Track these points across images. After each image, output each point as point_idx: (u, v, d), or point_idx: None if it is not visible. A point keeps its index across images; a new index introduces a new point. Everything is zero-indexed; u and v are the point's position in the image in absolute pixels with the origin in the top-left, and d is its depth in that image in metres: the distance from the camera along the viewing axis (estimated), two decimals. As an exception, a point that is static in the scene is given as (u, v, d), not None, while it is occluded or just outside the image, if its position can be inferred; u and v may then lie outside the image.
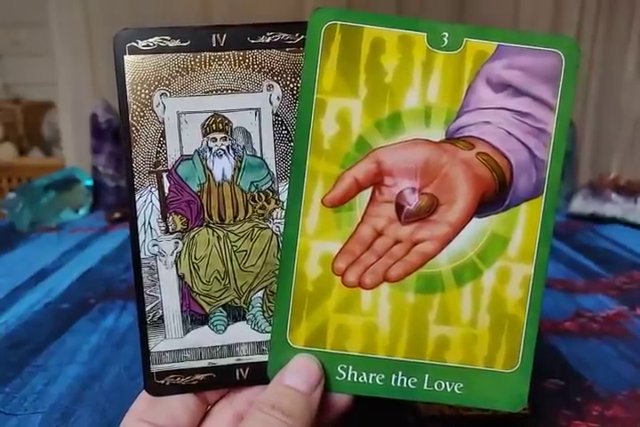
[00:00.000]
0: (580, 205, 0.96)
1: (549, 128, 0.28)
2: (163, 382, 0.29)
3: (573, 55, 0.28)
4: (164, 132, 0.27)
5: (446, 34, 0.28)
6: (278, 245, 0.29)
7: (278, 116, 0.28)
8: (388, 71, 0.28)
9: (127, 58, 0.27)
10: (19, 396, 0.43)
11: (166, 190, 0.28)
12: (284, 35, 0.27)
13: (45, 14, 1.32)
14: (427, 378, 0.28)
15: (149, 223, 0.28)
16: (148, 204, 0.28)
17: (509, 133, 0.28)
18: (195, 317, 0.29)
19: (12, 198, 0.95)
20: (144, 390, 0.29)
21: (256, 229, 0.29)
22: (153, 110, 0.27)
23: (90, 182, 1.07)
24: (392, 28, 0.27)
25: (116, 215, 0.99)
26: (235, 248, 0.29)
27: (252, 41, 0.27)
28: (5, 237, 0.90)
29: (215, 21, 1.33)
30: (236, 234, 0.29)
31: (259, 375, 0.29)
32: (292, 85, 0.28)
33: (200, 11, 1.31)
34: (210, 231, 0.29)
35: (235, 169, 0.28)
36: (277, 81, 0.28)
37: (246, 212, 0.29)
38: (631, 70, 1.22)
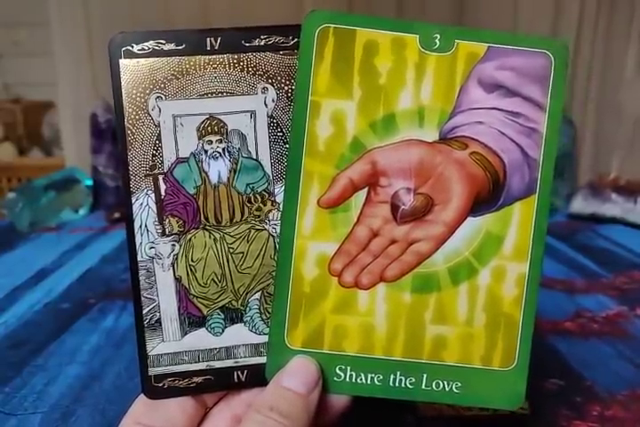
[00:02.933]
0: (580, 205, 0.96)
1: (541, 127, 0.28)
2: (161, 384, 0.29)
3: (562, 56, 0.28)
4: (159, 135, 0.28)
5: (438, 36, 0.28)
6: (275, 247, 0.29)
7: (273, 118, 0.28)
8: (382, 73, 0.28)
9: (122, 62, 0.27)
10: (19, 396, 0.43)
11: (162, 193, 0.28)
12: (278, 38, 0.28)
13: (45, 14, 1.32)
14: (424, 378, 0.29)
15: (146, 226, 0.28)
16: (144, 206, 0.28)
17: (502, 133, 0.28)
18: (192, 319, 0.29)
19: (12, 198, 0.95)
20: (142, 393, 0.29)
21: (252, 231, 0.29)
22: (148, 113, 0.27)
23: (90, 182, 1.07)
24: (384, 30, 0.28)
25: (116, 215, 0.99)
26: (231, 250, 0.29)
27: (247, 44, 0.27)
28: (5, 237, 0.90)
29: (214, 22, 1.32)
30: (232, 236, 0.29)
31: (257, 378, 0.29)
32: (286, 88, 0.28)
33: (199, 11, 1.31)
34: (206, 233, 0.29)
35: (230, 171, 0.28)
36: (272, 83, 0.28)
37: (242, 214, 0.29)
38: (631, 70, 1.22)
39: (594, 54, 1.23)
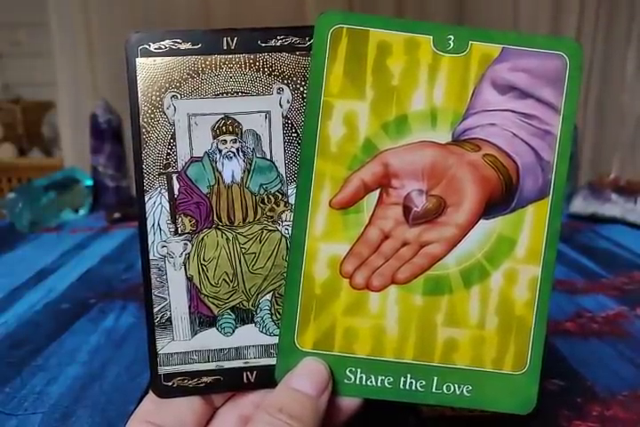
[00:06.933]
0: (580, 205, 0.96)
1: (555, 130, 0.28)
2: (170, 384, 0.29)
3: (577, 57, 0.28)
4: (174, 134, 0.28)
5: (452, 37, 0.28)
6: (287, 248, 0.29)
7: (288, 118, 0.28)
8: (395, 74, 0.28)
9: (139, 60, 0.27)
10: (19, 396, 0.43)
11: (176, 192, 0.28)
12: (295, 38, 0.28)
13: (45, 14, 1.32)
14: (435, 381, 0.28)
15: (158, 225, 0.28)
16: (157, 205, 0.28)
17: (515, 135, 0.28)
18: (203, 319, 0.29)
19: (12, 198, 0.94)
20: (151, 392, 0.29)
21: (265, 232, 0.29)
22: (163, 112, 0.27)
23: (90, 182, 1.07)
24: (398, 31, 0.28)
25: (116, 215, 0.98)
26: (243, 250, 0.29)
27: (263, 44, 0.27)
28: (5, 237, 0.90)
29: (215, 21, 1.32)
30: (244, 236, 0.29)
31: (266, 379, 0.28)
32: (301, 88, 0.28)
33: (200, 11, 1.31)
34: (219, 233, 0.29)
35: (244, 171, 0.28)
36: (287, 84, 0.28)
37: (255, 214, 0.29)
38: (631, 70, 1.22)
39: (594, 55, 1.23)
